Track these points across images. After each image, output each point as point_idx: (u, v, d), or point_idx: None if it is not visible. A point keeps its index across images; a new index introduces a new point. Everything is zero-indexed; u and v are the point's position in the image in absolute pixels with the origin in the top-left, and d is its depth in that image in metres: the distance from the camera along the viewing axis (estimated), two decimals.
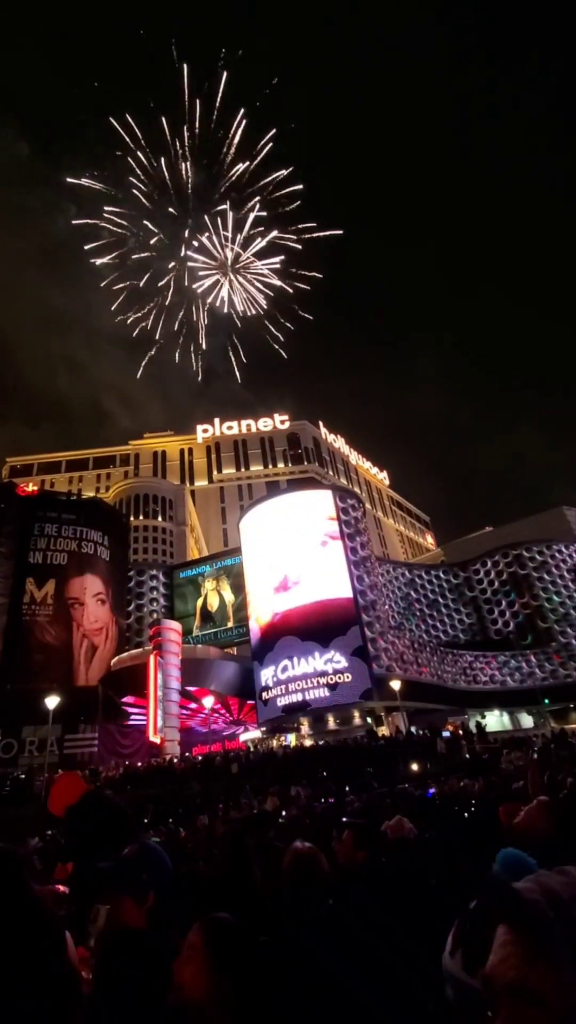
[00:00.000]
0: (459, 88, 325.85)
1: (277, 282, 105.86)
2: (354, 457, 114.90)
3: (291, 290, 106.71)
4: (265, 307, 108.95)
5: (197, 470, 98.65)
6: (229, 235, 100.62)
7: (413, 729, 31.52)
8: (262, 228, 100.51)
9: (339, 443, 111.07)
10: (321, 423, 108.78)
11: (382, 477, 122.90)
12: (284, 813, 10.25)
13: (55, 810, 3.34)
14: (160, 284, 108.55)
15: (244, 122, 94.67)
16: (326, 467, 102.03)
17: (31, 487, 56.71)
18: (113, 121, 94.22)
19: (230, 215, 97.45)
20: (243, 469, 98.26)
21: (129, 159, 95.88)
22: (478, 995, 1.37)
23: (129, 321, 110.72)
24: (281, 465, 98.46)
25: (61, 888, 3.38)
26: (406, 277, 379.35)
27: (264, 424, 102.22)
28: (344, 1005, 1.96)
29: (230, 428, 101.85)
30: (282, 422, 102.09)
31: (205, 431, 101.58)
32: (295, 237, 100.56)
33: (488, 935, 1.47)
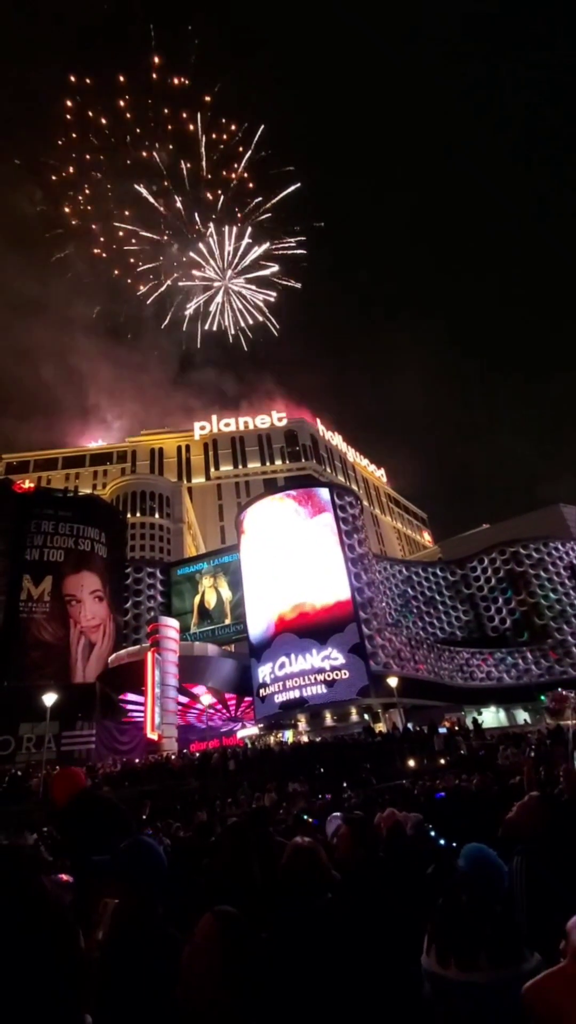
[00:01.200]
0: (456, 77, 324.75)
1: (258, 271, 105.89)
2: (351, 454, 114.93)
3: (276, 290, 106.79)
4: (246, 298, 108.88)
5: (194, 467, 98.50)
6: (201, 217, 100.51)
7: (410, 725, 31.66)
8: (240, 213, 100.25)
9: (336, 440, 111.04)
10: (319, 420, 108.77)
11: (380, 474, 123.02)
12: (282, 810, 10.29)
13: (61, 802, 3.39)
14: (135, 272, 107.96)
15: (218, 88, 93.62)
16: (324, 464, 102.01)
17: (27, 484, 56.50)
18: (76, 100, 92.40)
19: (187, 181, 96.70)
20: (240, 466, 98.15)
21: (93, 139, 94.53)
22: (453, 985, 1.39)
23: (96, 313, 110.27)
24: (279, 462, 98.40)
25: (64, 877, 3.42)
26: (401, 275, 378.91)
27: (262, 421, 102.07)
28: (343, 997, 2.00)
29: (227, 425, 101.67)
30: (280, 419, 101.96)
31: (202, 428, 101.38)
32: (271, 216, 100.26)
33: (457, 929, 1.48)
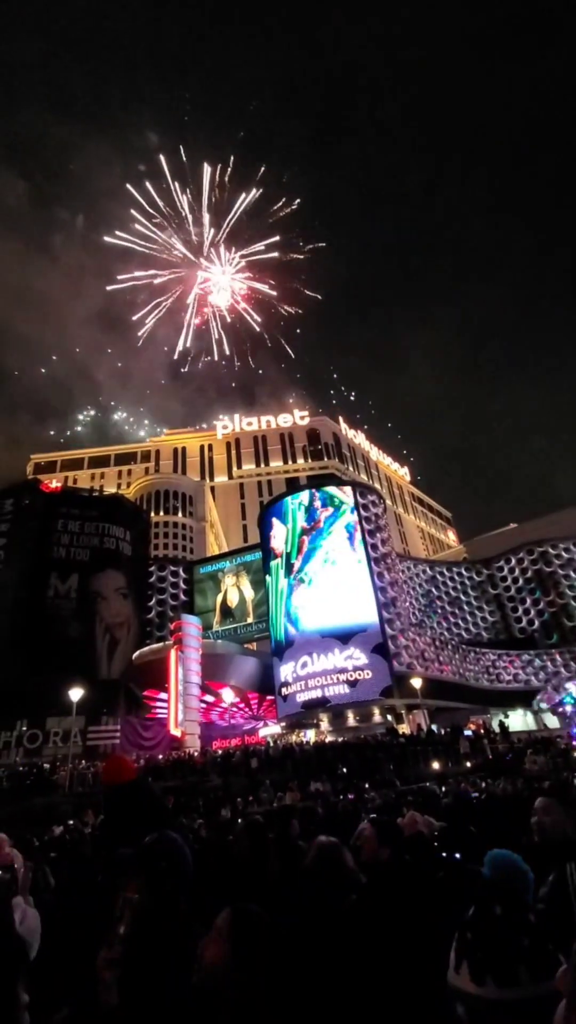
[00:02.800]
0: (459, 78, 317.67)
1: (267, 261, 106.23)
2: (375, 453, 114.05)
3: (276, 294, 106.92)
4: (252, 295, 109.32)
5: (217, 466, 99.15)
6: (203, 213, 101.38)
7: (434, 727, 31.20)
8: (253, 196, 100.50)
9: (359, 439, 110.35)
10: (341, 418, 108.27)
11: (403, 473, 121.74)
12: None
13: (107, 785, 3.48)
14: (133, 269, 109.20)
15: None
16: (346, 463, 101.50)
17: (54, 484, 57.89)
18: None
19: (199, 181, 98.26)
20: (263, 465, 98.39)
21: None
22: (492, 1005, 1.25)
23: (98, 308, 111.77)
24: (301, 461, 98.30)
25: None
26: (417, 272, 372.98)
27: (284, 420, 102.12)
28: (363, 995, 1.96)
29: (250, 424, 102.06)
30: (302, 418, 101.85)
31: (225, 427, 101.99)
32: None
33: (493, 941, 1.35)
